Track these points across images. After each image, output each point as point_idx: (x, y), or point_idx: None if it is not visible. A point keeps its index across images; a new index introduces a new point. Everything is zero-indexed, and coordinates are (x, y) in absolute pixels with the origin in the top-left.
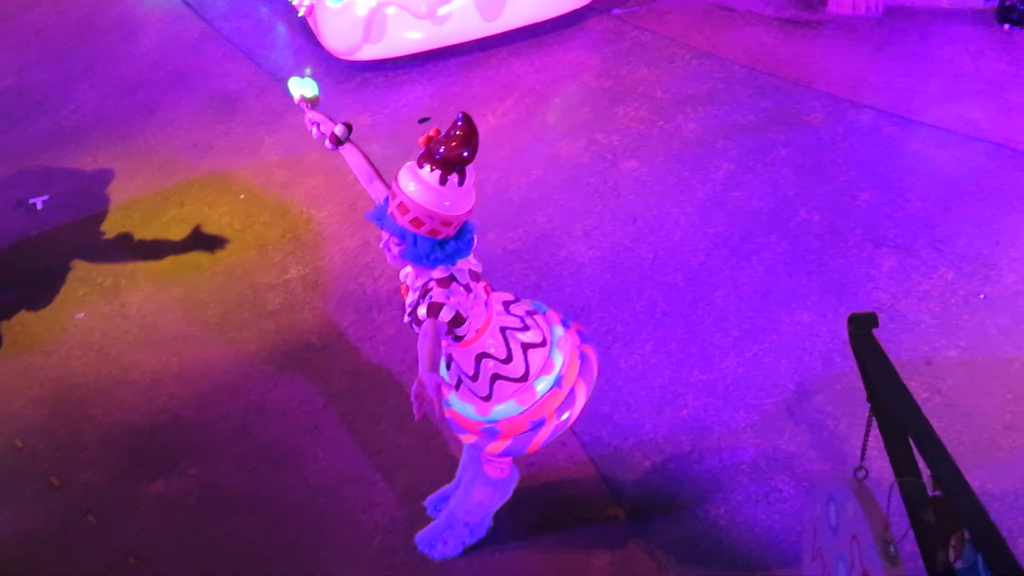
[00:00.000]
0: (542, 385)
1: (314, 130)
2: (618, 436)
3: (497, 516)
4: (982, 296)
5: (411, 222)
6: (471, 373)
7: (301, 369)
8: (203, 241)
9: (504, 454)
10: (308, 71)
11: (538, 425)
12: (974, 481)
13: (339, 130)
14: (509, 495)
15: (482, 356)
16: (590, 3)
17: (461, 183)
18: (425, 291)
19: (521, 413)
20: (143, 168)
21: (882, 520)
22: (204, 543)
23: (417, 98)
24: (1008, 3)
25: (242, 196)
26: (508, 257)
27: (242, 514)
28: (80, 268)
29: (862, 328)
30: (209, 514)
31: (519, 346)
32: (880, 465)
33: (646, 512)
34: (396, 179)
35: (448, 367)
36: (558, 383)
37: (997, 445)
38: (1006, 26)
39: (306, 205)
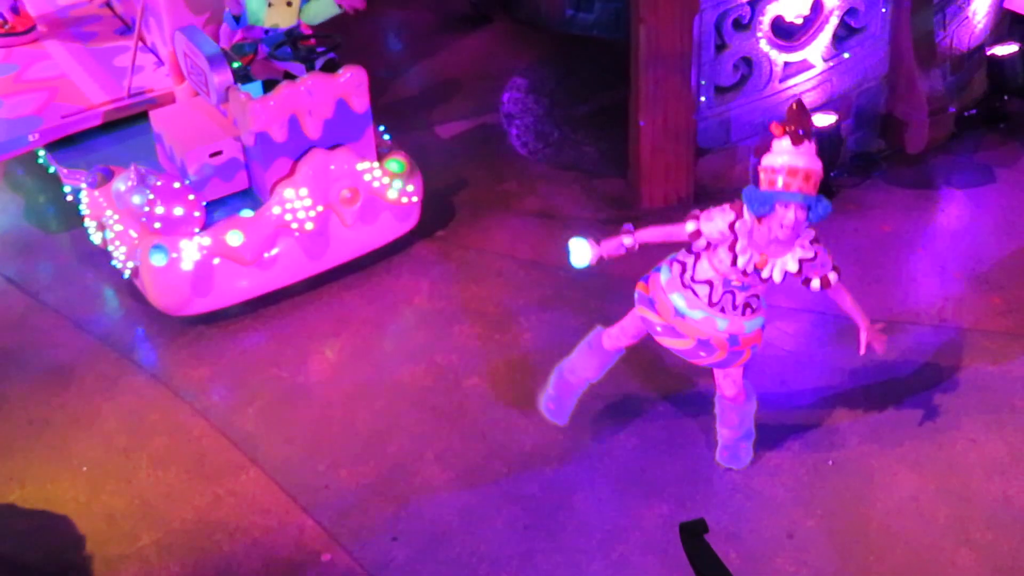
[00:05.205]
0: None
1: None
2: None
3: None
4: (830, 462)
5: (813, 186)
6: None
7: None
8: (48, 522)
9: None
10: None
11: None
12: None
13: (628, 241)
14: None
15: None
16: (413, 228)
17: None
18: (819, 253)
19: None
20: None
21: None
22: None
23: (254, 344)
24: None
25: (84, 468)
26: (363, 491)
27: None
28: None
29: (693, 535)
30: None
31: None
32: None
33: None
34: (773, 159)
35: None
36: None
37: None
38: None
39: (152, 468)
